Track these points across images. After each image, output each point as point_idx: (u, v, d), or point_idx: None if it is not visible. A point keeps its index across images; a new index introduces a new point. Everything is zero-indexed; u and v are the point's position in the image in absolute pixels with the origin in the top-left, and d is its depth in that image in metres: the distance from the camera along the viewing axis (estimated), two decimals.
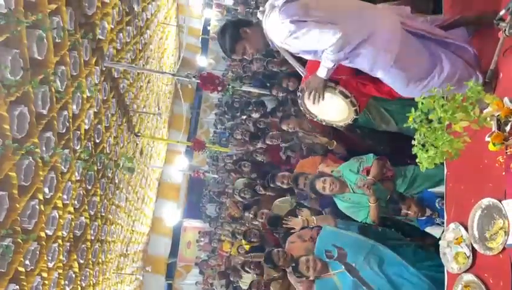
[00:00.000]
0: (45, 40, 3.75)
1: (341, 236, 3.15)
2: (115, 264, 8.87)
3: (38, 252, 4.25)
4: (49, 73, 3.94)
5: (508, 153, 1.90)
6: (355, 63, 2.24)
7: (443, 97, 1.79)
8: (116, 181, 7.52)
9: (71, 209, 5.20)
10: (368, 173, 3.21)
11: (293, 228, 3.88)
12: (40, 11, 3.65)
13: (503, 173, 1.95)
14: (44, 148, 4.11)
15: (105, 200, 6.89)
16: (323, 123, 2.74)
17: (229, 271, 6.70)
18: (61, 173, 4.68)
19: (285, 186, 4.60)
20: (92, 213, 6.17)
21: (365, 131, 3.66)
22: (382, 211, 3.15)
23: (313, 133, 4.22)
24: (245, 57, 2.49)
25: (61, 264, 5.05)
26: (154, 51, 9.61)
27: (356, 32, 2.13)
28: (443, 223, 2.52)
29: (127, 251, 10.14)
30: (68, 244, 5.30)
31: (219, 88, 5.98)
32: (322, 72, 2.29)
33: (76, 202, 5.35)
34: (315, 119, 2.69)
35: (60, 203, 4.76)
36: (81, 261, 5.92)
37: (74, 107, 4.80)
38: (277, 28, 2.17)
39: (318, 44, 2.15)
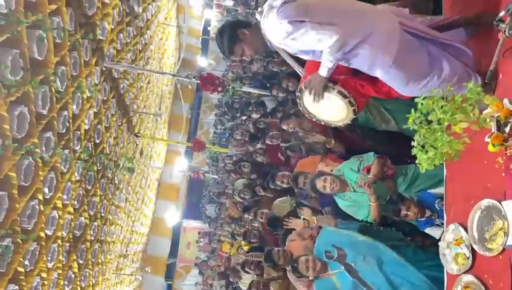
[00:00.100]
0: (45, 40, 3.75)
1: (340, 236, 3.15)
2: (115, 265, 8.87)
3: (37, 253, 4.25)
4: (49, 73, 3.95)
5: (508, 154, 1.90)
6: (353, 64, 2.24)
7: (443, 98, 1.79)
8: (116, 181, 7.52)
9: (71, 209, 5.20)
10: (368, 171, 3.21)
11: (294, 229, 3.89)
12: (41, 11, 3.66)
13: (503, 174, 1.95)
14: (44, 149, 4.11)
15: (105, 201, 6.89)
16: (322, 123, 2.74)
17: (229, 272, 6.70)
18: (61, 173, 4.68)
19: (285, 186, 4.60)
20: (92, 213, 6.17)
21: (365, 131, 3.66)
22: (382, 210, 3.15)
23: (311, 132, 4.22)
24: (243, 58, 2.49)
25: (60, 265, 5.05)
26: (155, 51, 9.61)
27: (354, 33, 2.13)
28: (443, 224, 2.52)
29: (126, 251, 10.14)
30: (68, 244, 5.29)
31: (219, 89, 5.98)
32: (323, 71, 2.29)
33: (76, 202, 5.35)
34: (314, 119, 2.69)
35: (59, 204, 4.76)
36: (81, 262, 5.91)
37: (74, 107, 4.80)
38: (275, 28, 2.17)
39: (316, 45, 2.15)
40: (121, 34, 6.26)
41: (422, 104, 1.79)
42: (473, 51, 2.30)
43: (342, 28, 2.09)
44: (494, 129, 1.84)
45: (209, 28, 16.10)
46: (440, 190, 2.72)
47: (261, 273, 4.77)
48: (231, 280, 6.30)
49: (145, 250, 13.55)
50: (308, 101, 2.52)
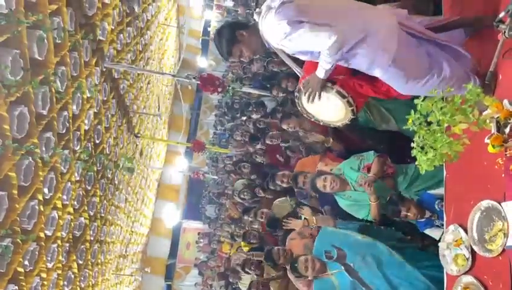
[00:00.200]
0: (45, 40, 3.75)
1: (340, 236, 3.15)
2: (114, 265, 8.86)
3: (37, 253, 4.25)
4: (50, 73, 3.95)
5: (508, 155, 1.90)
6: (352, 64, 2.24)
7: (442, 99, 1.79)
8: (116, 182, 7.52)
9: (70, 209, 5.20)
10: (368, 170, 3.22)
11: (293, 229, 3.89)
12: (41, 11, 3.66)
13: (503, 175, 1.95)
14: (44, 149, 4.11)
15: (105, 201, 6.89)
16: (321, 123, 2.74)
17: (229, 272, 6.70)
18: (61, 174, 4.68)
19: (285, 185, 4.61)
20: (92, 214, 6.17)
21: (365, 130, 3.67)
22: (383, 209, 3.15)
23: (311, 132, 4.22)
24: (242, 59, 2.49)
25: (60, 265, 5.05)
26: (155, 52, 9.62)
27: (352, 33, 2.13)
28: (442, 225, 2.52)
29: (126, 251, 10.14)
30: (67, 244, 5.29)
31: (219, 89, 5.98)
32: (320, 73, 2.29)
33: (75, 202, 5.35)
34: (312, 120, 2.69)
35: (59, 204, 4.76)
36: (80, 262, 5.91)
37: (74, 107, 4.80)
38: (273, 29, 2.17)
39: (314, 46, 2.15)
40: (121, 35, 6.26)
41: (421, 105, 1.80)
42: (472, 54, 2.31)
43: (340, 29, 2.09)
44: (494, 130, 1.84)
45: (209, 29, 16.11)
46: (440, 191, 2.72)
47: (261, 274, 4.77)
48: (231, 280, 6.30)
49: (144, 250, 13.55)
50: (306, 101, 2.53)
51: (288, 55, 2.35)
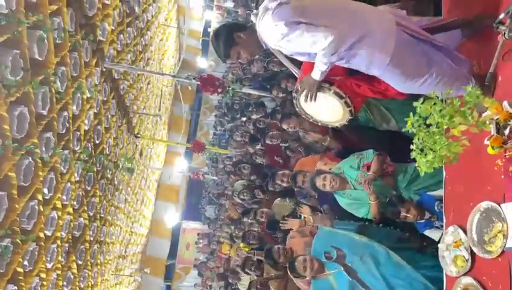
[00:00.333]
0: (46, 40, 3.75)
1: (338, 236, 3.16)
2: (114, 266, 8.86)
3: (37, 253, 4.25)
4: (50, 74, 3.95)
5: (507, 157, 1.90)
6: (352, 63, 2.25)
7: (442, 101, 1.79)
8: (116, 182, 7.52)
9: (70, 210, 5.20)
10: (368, 169, 3.22)
11: (291, 229, 3.90)
12: (41, 11, 3.66)
13: (502, 177, 1.95)
14: (44, 149, 4.11)
15: (105, 201, 6.89)
16: (319, 124, 2.75)
17: (228, 273, 6.70)
18: (61, 174, 4.68)
19: (285, 185, 4.61)
20: (91, 214, 6.17)
21: (365, 131, 3.67)
22: (382, 207, 3.16)
23: (306, 130, 4.23)
24: (240, 61, 2.50)
25: (59, 265, 5.04)
26: (155, 52, 9.62)
27: (349, 33, 2.13)
28: (442, 226, 2.52)
29: (125, 252, 10.13)
30: (67, 245, 5.29)
31: (219, 90, 5.99)
32: (316, 74, 2.29)
33: (75, 202, 5.35)
34: (311, 120, 2.70)
35: (59, 204, 4.76)
36: (80, 262, 5.91)
37: (74, 107, 4.80)
38: (270, 30, 2.17)
39: (311, 47, 2.15)
40: (121, 35, 6.26)
41: (420, 108, 1.80)
42: (469, 56, 2.31)
43: (337, 29, 2.09)
44: (493, 131, 1.85)
45: (209, 30, 16.09)
46: (439, 192, 2.73)
47: (261, 274, 4.78)
48: (230, 281, 6.30)
49: (144, 251, 13.54)
50: (303, 102, 2.53)
51: (286, 56, 2.35)
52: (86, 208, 5.82)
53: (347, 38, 2.12)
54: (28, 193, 3.91)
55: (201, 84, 5.96)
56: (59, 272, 5.06)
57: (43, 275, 4.52)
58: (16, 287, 3.88)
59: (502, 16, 1.99)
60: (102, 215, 6.87)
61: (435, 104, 1.78)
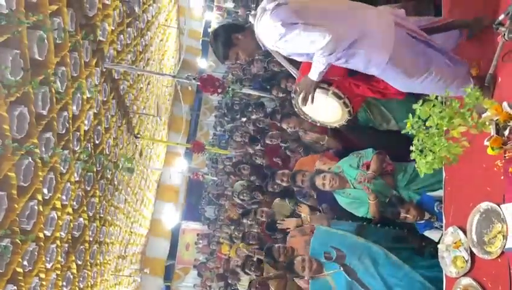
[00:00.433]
0: (46, 40, 3.76)
1: (335, 236, 3.16)
2: (113, 266, 8.85)
3: (36, 253, 4.25)
4: (50, 74, 3.95)
5: (507, 158, 1.90)
6: (351, 63, 2.25)
7: (442, 103, 1.79)
8: (115, 182, 7.52)
9: (70, 210, 5.20)
10: (367, 167, 3.23)
11: (288, 229, 3.92)
12: (41, 11, 3.66)
13: (502, 177, 1.95)
14: (43, 149, 4.11)
15: (104, 202, 6.89)
16: (318, 124, 2.75)
17: (228, 274, 6.69)
18: (61, 174, 4.68)
19: (285, 184, 4.61)
20: (91, 214, 6.17)
21: (365, 130, 3.67)
22: (382, 206, 3.16)
23: (306, 130, 4.23)
24: (238, 61, 2.50)
25: (59, 265, 5.04)
26: (155, 52, 9.62)
27: (347, 32, 2.13)
28: (442, 227, 2.52)
29: (125, 252, 10.13)
30: (66, 245, 5.29)
31: (219, 90, 5.99)
32: (313, 75, 2.29)
33: (75, 203, 5.35)
34: (310, 120, 2.70)
35: (58, 204, 4.76)
36: (79, 263, 5.91)
37: (74, 108, 4.80)
38: (268, 31, 2.17)
39: (309, 47, 2.15)
40: (122, 35, 6.26)
41: (420, 110, 1.80)
42: (467, 57, 2.31)
43: (335, 29, 2.09)
44: (493, 132, 1.85)
45: (209, 30, 16.07)
46: (439, 193, 2.73)
47: (261, 275, 4.78)
48: (230, 281, 6.29)
49: (143, 251, 13.54)
50: (301, 103, 2.53)
51: (284, 57, 2.35)
52: (85, 208, 5.82)
53: (345, 38, 2.12)
54: (27, 193, 3.91)
55: (201, 85, 5.96)
56: (58, 272, 5.05)
57: (42, 275, 4.52)
58: (15, 287, 3.88)
59: (501, 17, 1.99)
60: (102, 216, 6.87)
61: (434, 106, 1.78)
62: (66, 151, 4.70)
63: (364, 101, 3.18)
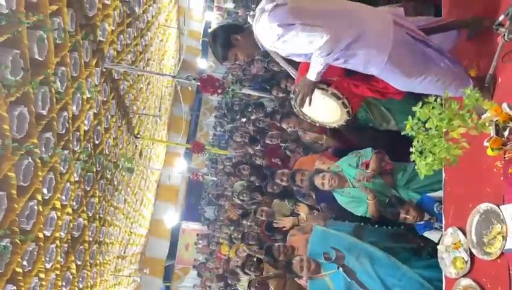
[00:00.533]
0: (46, 40, 3.76)
1: (333, 237, 3.16)
2: (113, 266, 8.85)
3: (36, 253, 4.25)
4: (50, 74, 3.95)
5: (506, 158, 1.90)
6: (350, 63, 2.24)
7: (442, 105, 1.79)
8: (115, 183, 7.52)
9: (69, 210, 5.20)
10: (367, 167, 3.23)
11: (285, 227, 3.92)
12: (41, 12, 3.66)
13: (501, 178, 1.95)
14: (43, 149, 4.11)
15: (104, 202, 6.89)
16: (317, 124, 2.75)
17: (227, 274, 6.69)
18: (60, 174, 4.68)
19: (284, 184, 4.61)
20: (91, 214, 6.17)
21: (365, 130, 3.67)
22: (381, 206, 3.16)
23: (305, 130, 4.24)
24: (237, 62, 2.50)
25: (58, 266, 5.04)
26: (155, 53, 9.62)
27: (345, 32, 2.12)
28: (441, 227, 2.52)
29: (124, 252, 10.13)
30: (66, 245, 5.29)
31: (219, 91, 5.99)
32: (311, 75, 2.29)
33: (74, 203, 5.35)
34: (309, 121, 2.70)
35: (58, 204, 4.76)
36: (79, 263, 5.90)
37: (74, 108, 4.80)
38: (266, 31, 2.17)
39: (307, 47, 2.14)
40: (122, 36, 6.27)
41: (419, 112, 1.80)
42: (467, 57, 2.31)
43: (333, 29, 2.08)
44: (493, 133, 1.85)
45: (209, 30, 16.08)
46: (439, 194, 2.73)
47: (261, 275, 4.77)
48: (229, 282, 6.29)
49: (143, 251, 13.53)
50: (299, 104, 2.53)
51: (283, 57, 2.35)
52: (85, 209, 5.82)
53: (343, 38, 2.12)
54: (27, 193, 3.91)
55: (201, 85, 5.96)
56: (58, 272, 5.05)
57: (42, 275, 4.52)
58: (15, 287, 3.88)
59: (501, 17, 1.99)
60: (102, 216, 6.86)
61: (433, 108, 1.78)
62: (65, 151, 4.70)
63: (363, 101, 3.18)
